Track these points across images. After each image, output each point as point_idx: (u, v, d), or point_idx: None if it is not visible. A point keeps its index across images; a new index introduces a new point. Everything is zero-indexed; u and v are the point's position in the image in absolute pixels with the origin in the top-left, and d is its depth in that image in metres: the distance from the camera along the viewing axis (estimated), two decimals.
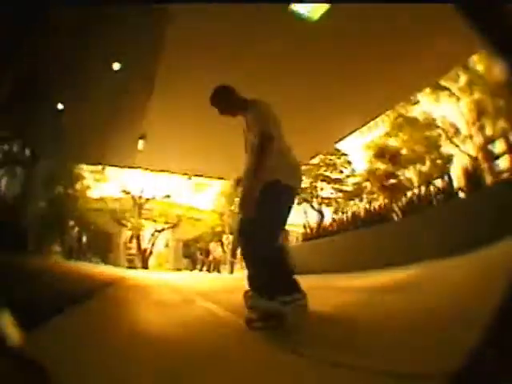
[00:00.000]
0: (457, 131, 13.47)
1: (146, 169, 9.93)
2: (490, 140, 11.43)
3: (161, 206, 20.60)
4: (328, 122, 6.44)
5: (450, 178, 5.01)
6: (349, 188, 16.59)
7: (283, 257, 2.39)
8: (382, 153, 14.04)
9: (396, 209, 5.92)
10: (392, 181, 13.77)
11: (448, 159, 13.83)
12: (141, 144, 7.74)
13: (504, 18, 0.64)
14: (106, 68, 5.11)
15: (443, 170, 13.14)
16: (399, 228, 5.34)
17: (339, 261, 5.85)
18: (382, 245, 5.08)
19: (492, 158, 10.24)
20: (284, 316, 2.11)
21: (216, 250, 16.31)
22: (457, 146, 13.25)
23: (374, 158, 14.41)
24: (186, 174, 10.30)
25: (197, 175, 10.66)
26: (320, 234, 7.55)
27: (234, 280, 7.99)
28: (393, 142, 14.78)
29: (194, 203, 22.27)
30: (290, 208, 2.48)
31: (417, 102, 13.86)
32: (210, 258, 15.75)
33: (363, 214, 6.69)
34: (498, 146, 10.61)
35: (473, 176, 4.65)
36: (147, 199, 19.56)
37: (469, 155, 12.01)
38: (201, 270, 16.52)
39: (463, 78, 12.31)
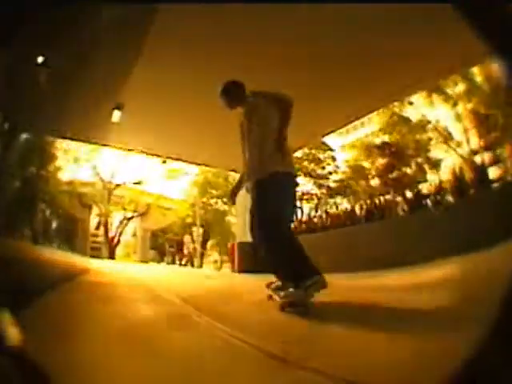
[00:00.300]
0: (449, 136, 13.66)
1: (119, 147, 9.01)
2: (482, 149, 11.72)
3: (131, 192, 19.37)
4: (317, 114, 6.07)
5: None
6: (332, 184, 16.23)
7: (296, 242, 2.49)
8: (382, 147, 13.85)
9: (402, 203, 5.66)
10: (395, 174, 13.51)
11: (435, 164, 13.90)
12: (116, 115, 6.90)
13: (504, 18, 0.62)
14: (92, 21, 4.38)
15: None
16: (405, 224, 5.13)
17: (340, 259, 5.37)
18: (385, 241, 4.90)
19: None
20: (309, 304, 2.26)
21: (189, 243, 15.40)
22: (454, 149, 13.25)
23: (364, 155, 14.25)
24: (161, 156, 9.51)
25: (174, 158, 9.78)
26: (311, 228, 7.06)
27: (218, 279, 7.21)
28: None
29: (165, 191, 21.12)
30: (294, 194, 2.70)
31: (411, 103, 13.87)
32: (185, 251, 14.84)
33: (364, 208, 6.32)
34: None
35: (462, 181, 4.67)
36: (117, 185, 18.29)
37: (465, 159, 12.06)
38: (172, 263, 15.59)
39: (461, 86, 12.50)
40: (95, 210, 16.64)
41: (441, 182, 5.29)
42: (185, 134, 7.49)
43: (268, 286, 2.67)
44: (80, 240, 13.77)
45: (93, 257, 11.55)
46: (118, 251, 19.45)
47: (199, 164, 9.91)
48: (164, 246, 20.43)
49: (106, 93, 6.27)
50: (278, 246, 2.43)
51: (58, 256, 5.45)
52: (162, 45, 4.70)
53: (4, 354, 0.62)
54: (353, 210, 6.58)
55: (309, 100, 5.17)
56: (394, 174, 13.72)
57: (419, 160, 14.16)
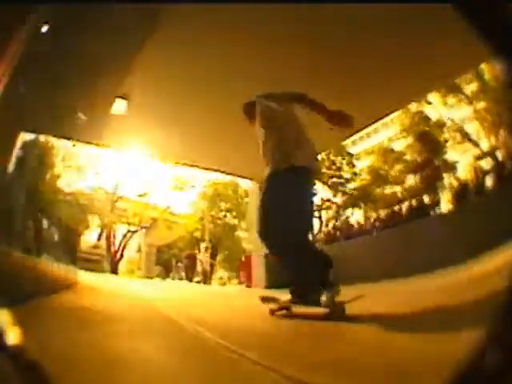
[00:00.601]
0: (465, 136, 13.37)
1: (121, 149, 8.10)
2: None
3: (135, 205, 18.30)
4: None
5: None
6: (351, 192, 15.22)
7: (311, 244, 2.74)
8: (421, 137, 13.44)
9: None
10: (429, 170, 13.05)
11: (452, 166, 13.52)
12: (120, 106, 6.03)
13: (504, 18, 0.59)
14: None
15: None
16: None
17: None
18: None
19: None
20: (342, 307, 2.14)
21: (205, 258, 14.08)
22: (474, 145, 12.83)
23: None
24: (171, 161, 8.58)
25: (183, 164, 8.82)
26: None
27: (249, 298, 5.39)
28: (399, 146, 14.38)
29: (171, 205, 20.02)
30: (310, 193, 2.56)
31: (429, 103, 13.61)
32: (198, 267, 13.56)
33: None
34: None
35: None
36: (120, 197, 17.35)
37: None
38: (180, 279, 14.29)
39: (473, 85, 12.48)
40: (96, 221, 15.68)
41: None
42: (196, 135, 6.75)
43: (265, 300, 2.68)
44: (81, 252, 12.76)
45: (91, 270, 10.45)
46: (122, 267, 18.28)
47: (210, 169, 8.90)
48: (170, 261, 19.30)
49: (109, 85, 5.51)
50: (291, 255, 2.38)
51: (46, 266, 4.59)
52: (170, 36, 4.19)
53: (4, 353, 0.59)
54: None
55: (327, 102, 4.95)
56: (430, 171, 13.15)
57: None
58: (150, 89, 5.57)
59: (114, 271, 15.05)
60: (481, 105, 12.43)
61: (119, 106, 6.04)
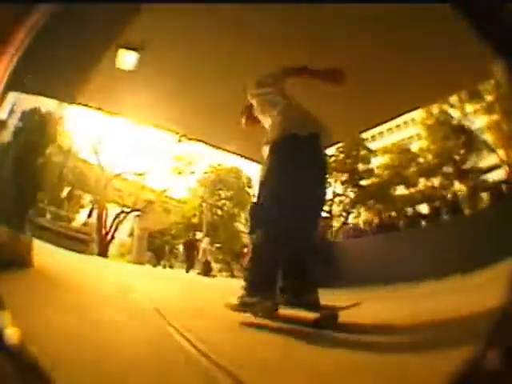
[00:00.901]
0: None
1: (125, 116, 7.14)
2: None
3: (131, 185, 17.07)
4: (357, 108, 5.65)
5: None
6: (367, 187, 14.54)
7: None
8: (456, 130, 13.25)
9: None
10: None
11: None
12: (128, 59, 5.11)
13: (504, 18, 0.62)
14: None
15: None
16: None
17: None
18: None
19: None
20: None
21: (207, 244, 12.91)
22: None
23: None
24: (178, 133, 7.66)
25: (191, 138, 7.88)
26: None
27: None
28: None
29: (169, 188, 18.90)
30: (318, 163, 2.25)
31: (452, 106, 13.46)
32: (200, 255, 12.40)
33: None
34: None
35: None
36: (117, 175, 16.18)
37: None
38: (187, 268, 13.13)
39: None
40: (88, 197, 14.61)
41: None
42: (210, 107, 5.92)
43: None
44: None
45: (78, 251, 9.43)
46: (112, 250, 17.21)
47: (221, 149, 7.96)
48: (163, 247, 18.36)
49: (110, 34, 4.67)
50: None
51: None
52: None
53: (4, 353, 0.60)
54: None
55: (346, 95, 4.66)
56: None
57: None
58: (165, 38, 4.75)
59: (103, 254, 13.92)
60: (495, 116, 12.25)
61: (127, 59, 5.15)
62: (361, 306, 2.14)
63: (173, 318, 2.00)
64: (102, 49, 4.79)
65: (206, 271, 11.21)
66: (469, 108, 13.20)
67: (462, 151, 13.55)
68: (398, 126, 15.20)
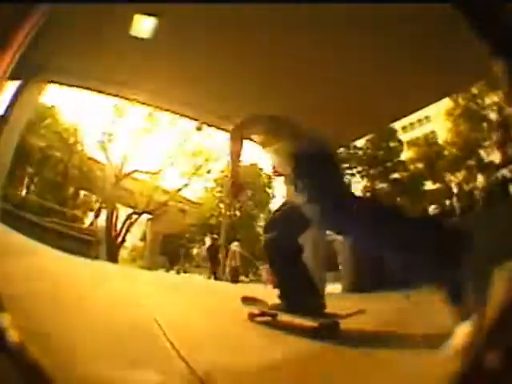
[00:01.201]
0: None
1: (135, 100, 6.12)
2: None
3: (143, 185, 15.83)
4: (384, 99, 5.32)
5: None
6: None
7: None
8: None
9: None
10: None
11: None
12: (143, 25, 4.13)
13: (504, 18, 0.61)
14: None
15: None
16: None
17: None
18: None
19: None
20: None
21: (238, 247, 11.68)
22: None
23: None
24: (198, 119, 6.62)
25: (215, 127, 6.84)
26: None
27: None
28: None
29: (184, 188, 17.71)
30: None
31: (474, 96, 13.18)
32: (229, 260, 11.21)
33: None
34: None
35: None
36: (127, 173, 15.06)
37: None
38: (212, 274, 12.00)
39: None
40: (95, 197, 13.61)
41: None
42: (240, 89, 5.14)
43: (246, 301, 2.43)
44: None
45: (87, 257, 8.39)
46: (122, 254, 16.16)
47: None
48: (177, 251, 17.38)
49: None
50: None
51: None
52: None
53: (4, 353, 0.60)
54: None
55: (374, 86, 4.91)
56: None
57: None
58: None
59: (113, 259, 12.73)
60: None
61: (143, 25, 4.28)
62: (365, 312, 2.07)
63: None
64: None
65: (235, 278, 10.14)
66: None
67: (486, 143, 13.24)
68: (419, 121, 14.94)
